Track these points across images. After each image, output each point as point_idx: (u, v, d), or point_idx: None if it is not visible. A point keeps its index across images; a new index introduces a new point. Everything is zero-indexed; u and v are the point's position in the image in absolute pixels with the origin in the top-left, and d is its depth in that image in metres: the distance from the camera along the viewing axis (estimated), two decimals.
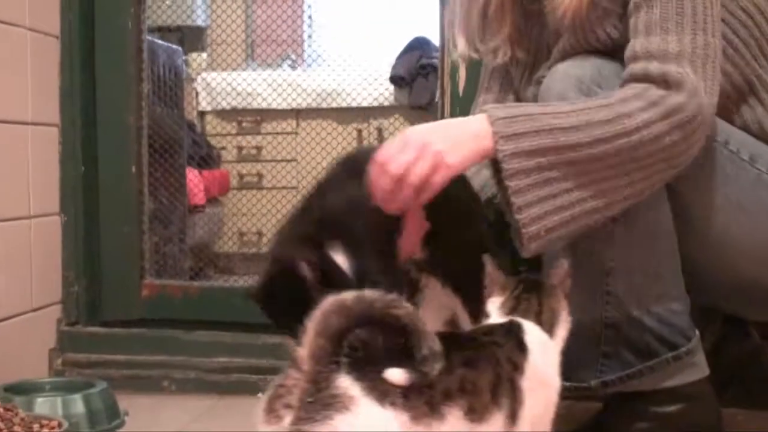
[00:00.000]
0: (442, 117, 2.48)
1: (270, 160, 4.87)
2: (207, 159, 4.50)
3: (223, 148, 4.85)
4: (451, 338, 1.22)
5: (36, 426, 1.84)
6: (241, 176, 4.85)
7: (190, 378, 2.43)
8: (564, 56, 1.72)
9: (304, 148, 4.80)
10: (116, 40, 2.56)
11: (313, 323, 1.08)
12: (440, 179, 1.47)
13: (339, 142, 4.60)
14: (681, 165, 1.57)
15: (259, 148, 4.88)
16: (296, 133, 4.88)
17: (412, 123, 4.67)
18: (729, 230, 1.72)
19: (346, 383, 1.07)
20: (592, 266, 1.64)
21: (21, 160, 2.35)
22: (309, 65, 5.09)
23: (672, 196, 1.67)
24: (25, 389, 2.13)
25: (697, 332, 1.73)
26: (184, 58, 3.86)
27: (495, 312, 1.43)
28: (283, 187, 4.83)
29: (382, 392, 1.08)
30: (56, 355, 2.49)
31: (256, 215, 4.75)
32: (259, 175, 4.86)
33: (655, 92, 1.53)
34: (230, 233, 4.71)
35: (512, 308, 1.42)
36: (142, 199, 2.57)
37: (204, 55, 4.95)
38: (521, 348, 1.32)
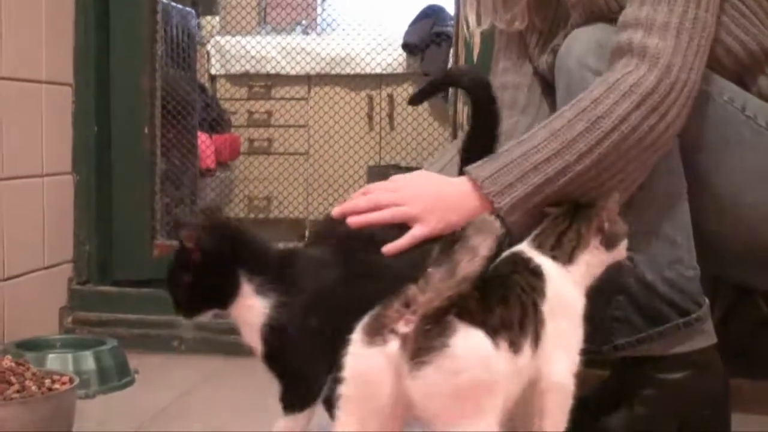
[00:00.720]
0: None
1: (280, 126, 4.87)
2: (218, 123, 4.50)
3: (234, 112, 4.85)
4: (482, 281, 1.28)
5: (48, 381, 1.85)
6: (251, 141, 4.85)
7: (199, 338, 2.44)
8: (581, 25, 1.74)
9: (315, 114, 4.80)
10: (131, 0, 2.57)
11: (430, 270, 1.21)
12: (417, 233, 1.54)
13: (350, 108, 4.60)
14: (667, 144, 1.60)
15: (269, 113, 4.88)
16: (307, 99, 4.87)
17: None
18: (745, 196, 1.72)
19: (451, 317, 1.21)
20: None
21: (34, 118, 2.35)
22: (321, 31, 5.07)
23: (687, 161, 1.68)
24: (36, 346, 2.16)
25: (707, 300, 1.74)
26: (197, 20, 3.85)
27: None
28: (293, 153, 4.83)
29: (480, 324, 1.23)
30: (67, 314, 2.50)
31: (265, 180, 4.76)
32: (269, 141, 4.86)
33: (626, 79, 1.56)
34: (239, 198, 4.72)
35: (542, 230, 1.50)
36: (154, 159, 2.58)
37: (216, 18, 4.94)
38: (536, 273, 1.41)
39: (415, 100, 1.77)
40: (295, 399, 1.52)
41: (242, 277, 1.50)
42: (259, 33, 4.96)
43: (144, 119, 2.56)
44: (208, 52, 4.87)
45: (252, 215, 4.71)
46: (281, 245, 1.73)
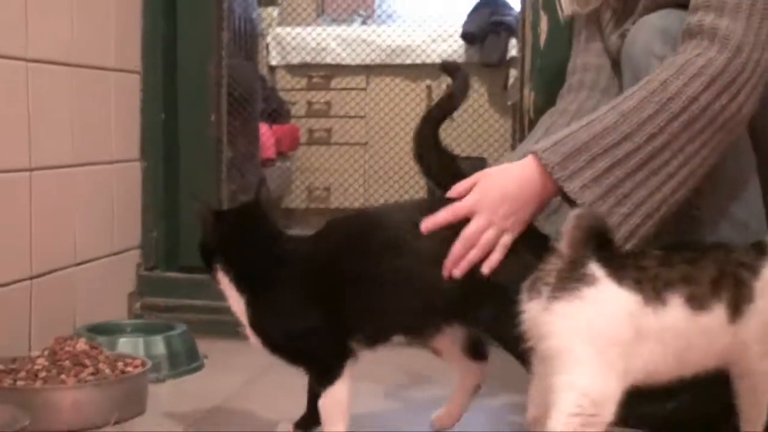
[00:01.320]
0: (523, 71, 2.47)
1: (339, 116, 4.88)
2: (277, 113, 4.52)
3: (293, 103, 4.87)
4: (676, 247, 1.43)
5: (120, 364, 1.88)
6: (310, 132, 4.87)
7: None
8: (648, 11, 1.73)
9: (373, 105, 4.81)
10: None
11: (572, 221, 1.36)
12: (507, 241, 1.56)
13: (409, 98, 4.60)
14: (740, 125, 1.59)
15: (328, 104, 4.89)
16: (366, 90, 4.88)
17: (483, 81, 4.66)
18: None
19: (594, 267, 1.33)
20: (678, 215, 1.64)
21: (104, 105, 2.38)
22: (380, 21, 5.07)
23: (755, 141, 1.66)
24: (107, 330, 2.18)
25: None
26: (257, 11, 3.87)
27: None
28: (352, 143, 4.84)
29: (620, 277, 1.34)
30: (135, 299, 2.53)
31: (325, 171, 4.78)
32: (329, 131, 4.87)
33: (695, 61, 1.55)
34: (299, 189, 4.75)
35: None
36: (221, 147, 2.60)
37: (276, 9, 4.96)
38: (760, 252, 1.44)
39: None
40: (317, 377, 1.58)
41: (219, 269, 1.63)
42: (317, 24, 4.98)
43: (211, 107, 2.57)
44: (267, 43, 4.89)
45: (311, 205, 4.73)
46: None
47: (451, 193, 1.59)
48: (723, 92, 1.55)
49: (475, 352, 1.67)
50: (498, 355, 1.61)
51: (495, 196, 1.57)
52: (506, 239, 1.56)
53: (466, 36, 4.66)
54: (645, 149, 1.55)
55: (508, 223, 1.57)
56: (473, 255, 1.54)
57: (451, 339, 1.65)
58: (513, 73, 4.20)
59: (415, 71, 4.77)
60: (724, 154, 1.60)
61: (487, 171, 1.62)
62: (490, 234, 1.55)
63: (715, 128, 1.56)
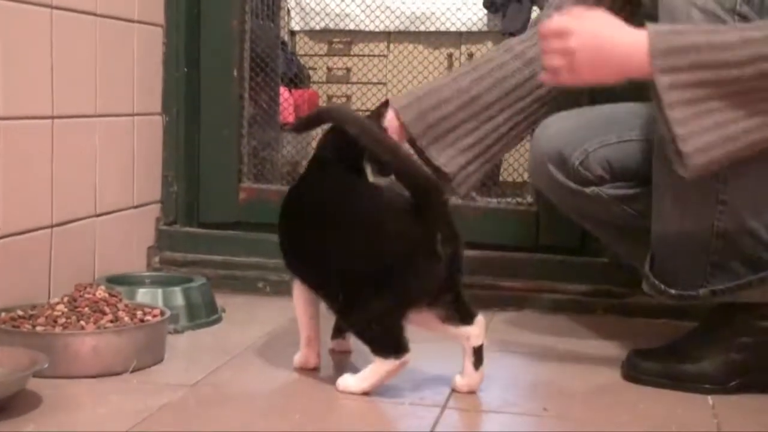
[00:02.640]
0: None
1: (359, 82, 4.85)
2: (297, 78, 4.50)
3: (313, 68, 4.85)
4: None
5: (139, 313, 1.88)
6: (329, 97, 4.84)
7: (285, 280, 2.43)
8: None
9: (394, 71, 4.78)
10: None
11: None
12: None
13: (429, 66, 4.58)
14: None
15: (348, 70, 4.87)
16: (386, 56, 4.85)
17: None
18: None
19: None
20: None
21: (126, 57, 2.37)
22: None
23: None
24: (126, 281, 2.19)
25: None
26: None
27: None
28: (372, 110, 4.82)
29: None
30: (154, 253, 2.53)
31: None
32: (348, 97, 4.85)
33: None
34: None
35: None
36: (242, 103, 2.59)
37: None
38: None
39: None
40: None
41: None
42: None
43: (233, 62, 2.56)
44: (289, 8, 4.86)
45: None
46: None
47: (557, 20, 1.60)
48: None
49: (461, 317, 1.66)
50: None
51: (579, 47, 1.57)
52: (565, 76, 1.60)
53: (488, 4, 4.63)
54: (748, 83, 1.49)
55: (577, 66, 1.58)
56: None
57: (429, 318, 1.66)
58: None
59: (436, 39, 4.73)
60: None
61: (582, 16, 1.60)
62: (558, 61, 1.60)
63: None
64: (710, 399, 1.70)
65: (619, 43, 1.57)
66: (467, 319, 1.64)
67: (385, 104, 1.82)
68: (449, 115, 1.79)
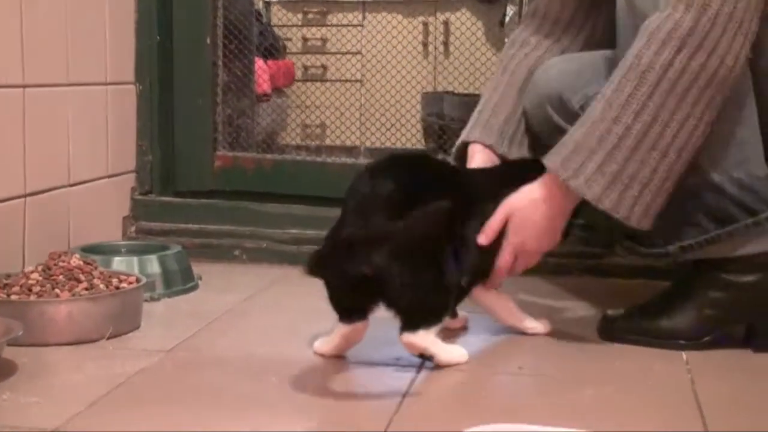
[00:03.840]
0: (521, 6, 2.45)
1: (335, 53, 4.84)
2: (273, 49, 4.48)
3: (288, 39, 4.83)
4: None
5: (115, 280, 1.88)
6: (305, 68, 4.83)
7: (261, 248, 2.45)
8: None
9: (369, 41, 4.76)
10: None
11: None
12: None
13: (405, 35, 4.56)
14: (728, 77, 1.58)
15: (324, 40, 4.85)
16: (362, 26, 4.84)
17: (479, 17, 4.61)
18: None
19: None
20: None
21: (98, 26, 2.35)
22: None
23: (752, 64, 1.65)
24: (101, 250, 2.18)
25: None
26: None
27: None
28: (348, 80, 4.80)
29: None
30: (130, 223, 2.52)
31: (320, 107, 4.74)
32: (324, 68, 4.84)
33: (663, 26, 1.56)
34: (294, 124, 4.72)
35: None
36: (216, 71, 2.58)
37: None
38: None
39: None
40: None
41: None
42: None
43: (206, 30, 2.54)
44: None
45: (306, 142, 4.71)
46: None
47: (486, 234, 1.68)
48: (697, 51, 1.55)
49: None
50: None
51: (533, 243, 1.71)
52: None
53: None
54: (635, 127, 1.58)
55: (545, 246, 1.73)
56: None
57: None
58: (510, 9, 4.17)
59: (411, 7, 4.73)
60: (722, 110, 1.61)
61: (514, 205, 1.69)
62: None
63: (700, 87, 1.57)
64: (684, 354, 1.71)
65: (545, 209, 1.69)
66: None
67: (462, 147, 1.91)
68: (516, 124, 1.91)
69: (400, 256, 1.54)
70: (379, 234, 1.55)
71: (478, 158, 1.87)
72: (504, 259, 1.71)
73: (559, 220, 1.71)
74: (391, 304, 1.59)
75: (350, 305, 1.63)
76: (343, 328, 1.65)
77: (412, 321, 1.59)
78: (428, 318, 1.60)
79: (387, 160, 1.70)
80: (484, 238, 1.68)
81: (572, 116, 1.81)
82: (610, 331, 1.80)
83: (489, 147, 1.87)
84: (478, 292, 1.78)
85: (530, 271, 2.25)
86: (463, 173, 1.84)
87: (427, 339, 1.59)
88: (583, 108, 1.82)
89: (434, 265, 1.59)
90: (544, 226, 1.69)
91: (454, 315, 1.81)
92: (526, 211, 1.69)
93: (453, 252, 1.62)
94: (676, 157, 1.60)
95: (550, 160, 1.65)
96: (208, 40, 2.54)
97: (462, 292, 1.71)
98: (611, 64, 1.78)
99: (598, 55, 1.87)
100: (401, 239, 1.54)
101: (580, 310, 2.04)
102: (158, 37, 2.53)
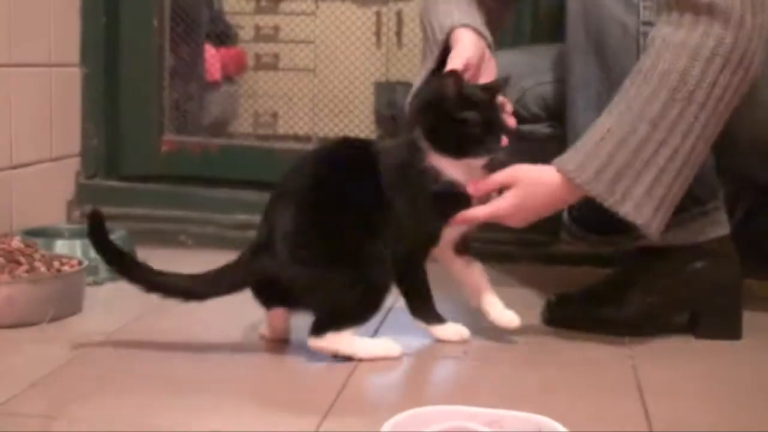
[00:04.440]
0: None
1: (287, 41, 4.81)
2: (224, 36, 4.45)
3: (241, 27, 4.79)
4: None
5: (56, 263, 1.85)
6: (257, 56, 4.80)
7: (208, 233, 2.43)
8: None
9: (323, 30, 4.75)
10: None
11: None
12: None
13: (359, 24, 4.55)
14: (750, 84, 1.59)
15: (276, 29, 4.82)
16: (315, 14, 4.81)
17: None
18: (765, 92, 1.70)
19: None
20: None
21: (41, 6, 2.31)
22: None
23: None
24: (44, 234, 2.14)
25: (722, 190, 1.73)
26: None
27: None
28: (300, 69, 4.78)
29: None
30: (74, 207, 2.49)
31: (272, 96, 4.72)
32: (276, 56, 4.81)
33: (705, 43, 1.53)
34: (245, 113, 4.69)
35: None
36: (163, 54, 2.55)
37: None
38: None
39: None
40: None
41: None
42: None
43: (154, 12, 2.52)
44: None
45: (258, 131, 4.68)
46: None
47: (478, 187, 1.60)
48: (738, 68, 1.55)
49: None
50: None
51: (527, 215, 1.63)
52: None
53: None
54: (684, 148, 1.56)
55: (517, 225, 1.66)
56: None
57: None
58: None
59: None
60: None
61: (524, 178, 1.61)
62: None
63: (735, 97, 1.58)
64: (627, 340, 1.72)
65: (551, 202, 1.63)
66: None
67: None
68: None
69: (299, 258, 1.52)
70: (280, 235, 1.54)
71: (467, 39, 1.72)
72: (480, 213, 1.62)
73: (547, 215, 1.66)
74: (293, 307, 1.59)
75: (264, 297, 1.62)
76: (267, 313, 1.64)
77: (318, 324, 1.56)
78: (338, 320, 1.56)
79: (310, 153, 1.68)
80: (474, 189, 1.60)
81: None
82: (554, 318, 1.81)
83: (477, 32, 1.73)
84: (450, 260, 1.71)
85: (477, 258, 2.26)
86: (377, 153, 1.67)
87: (337, 342, 1.56)
88: (519, 101, 1.83)
89: (341, 264, 1.54)
90: (535, 212, 1.64)
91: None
92: (532, 188, 1.62)
93: (372, 246, 1.56)
94: (703, 157, 1.62)
95: (587, 182, 1.58)
96: (155, 23, 2.52)
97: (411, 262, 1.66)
98: (546, 59, 1.79)
99: (533, 50, 1.88)
100: (300, 241, 1.53)
101: (526, 297, 2.04)
102: (104, 19, 2.50)
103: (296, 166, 1.62)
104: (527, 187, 1.61)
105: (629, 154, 1.56)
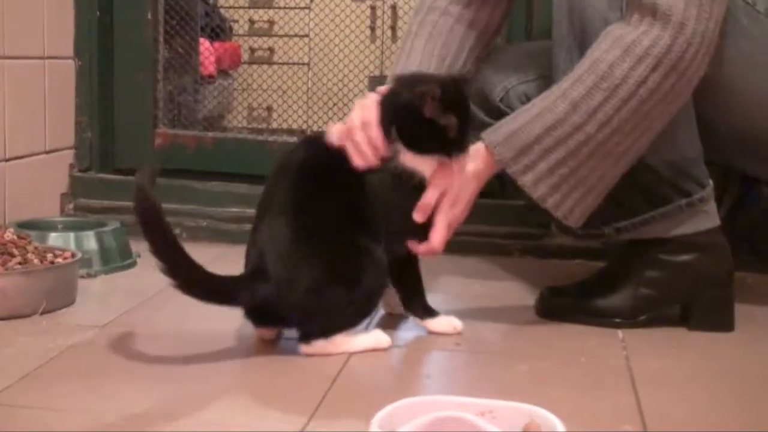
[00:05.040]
0: None
1: (282, 35, 4.81)
2: (219, 30, 4.44)
3: (235, 21, 4.79)
4: None
5: (50, 255, 1.85)
6: (252, 50, 4.79)
7: (202, 226, 2.43)
8: None
9: (318, 24, 4.74)
10: None
11: None
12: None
13: (353, 18, 4.54)
14: (689, 91, 1.60)
15: (271, 23, 4.82)
16: (309, 8, 4.81)
17: None
18: (742, 83, 1.71)
19: None
20: None
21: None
22: None
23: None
24: (38, 226, 2.14)
25: (711, 182, 1.73)
26: None
27: None
28: (295, 63, 4.78)
29: None
30: (68, 200, 2.49)
31: (266, 90, 4.71)
32: (271, 50, 4.80)
33: (641, 41, 1.54)
34: (240, 107, 4.68)
35: None
36: (157, 47, 2.55)
37: None
38: None
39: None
40: None
41: None
42: None
43: (147, 5, 2.52)
44: None
45: (252, 125, 4.68)
46: None
47: (421, 211, 1.59)
48: (671, 72, 1.55)
49: None
50: None
51: (465, 212, 1.63)
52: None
53: None
54: (597, 137, 1.57)
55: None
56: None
57: None
58: None
59: None
60: None
61: (447, 182, 1.59)
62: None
63: (665, 104, 1.58)
64: (620, 332, 1.72)
65: (475, 183, 1.64)
66: None
67: None
68: None
69: (294, 287, 1.51)
70: (271, 260, 1.53)
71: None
72: (442, 234, 1.62)
73: (479, 189, 1.66)
74: (286, 326, 1.60)
75: (255, 318, 1.61)
76: (256, 329, 1.64)
77: (307, 335, 1.56)
78: (329, 331, 1.56)
79: (286, 162, 1.63)
80: (420, 216, 1.59)
81: (494, 109, 1.82)
82: (547, 309, 1.81)
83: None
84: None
85: (470, 252, 2.27)
86: None
87: (327, 347, 1.56)
88: (503, 100, 1.83)
89: (337, 282, 1.53)
90: (474, 197, 1.65)
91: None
92: (460, 187, 1.63)
93: (365, 251, 1.55)
94: (625, 164, 1.62)
95: (498, 145, 1.61)
96: (149, 16, 2.51)
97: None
98: (527, 57, 1.80)
99: (513, 50, 1.88)
100: (292, 267, 1.52)
101: (519, 290, 2.04)
102: (98, 12, 2.50)
103: (276, 177, 1.60)
104: (455, 188, 1.61)
105: (543, 130, 1.59)
